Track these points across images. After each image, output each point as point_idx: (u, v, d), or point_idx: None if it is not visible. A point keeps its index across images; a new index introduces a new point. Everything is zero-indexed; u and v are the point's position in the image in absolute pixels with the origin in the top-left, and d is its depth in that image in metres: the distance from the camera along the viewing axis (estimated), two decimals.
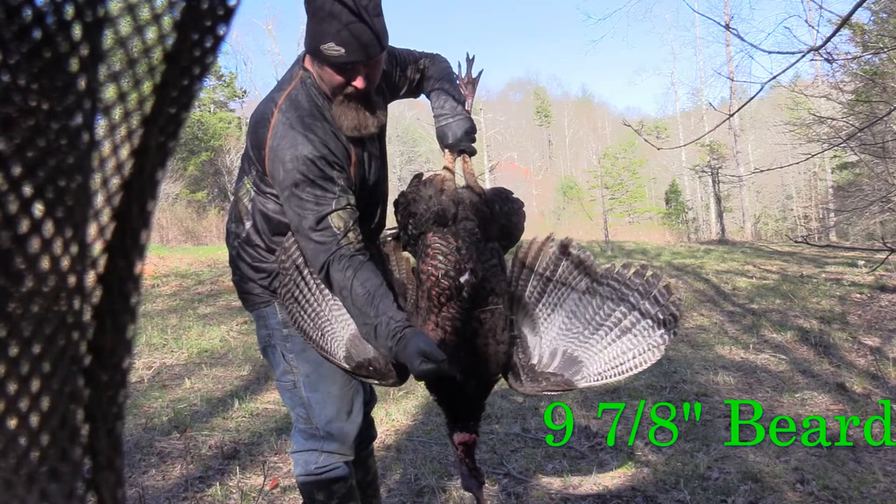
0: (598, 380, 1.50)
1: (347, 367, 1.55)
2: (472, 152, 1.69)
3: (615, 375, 1.49)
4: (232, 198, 1.80)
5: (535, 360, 1.55)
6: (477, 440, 1.56)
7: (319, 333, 1.56)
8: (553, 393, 1.54)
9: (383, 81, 1.69)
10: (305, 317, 1.57)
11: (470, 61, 1.81)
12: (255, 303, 1.72)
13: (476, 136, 1.70)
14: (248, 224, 1.66)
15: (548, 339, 1.57)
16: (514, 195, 1.70)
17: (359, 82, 1.48)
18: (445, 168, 1.64)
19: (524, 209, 1.69)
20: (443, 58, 1.82)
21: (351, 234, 1.51)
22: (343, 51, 1.41)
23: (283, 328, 1.69)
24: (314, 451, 1.72)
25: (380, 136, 1.72)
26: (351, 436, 1.74)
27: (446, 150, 1.66)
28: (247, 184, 1.65)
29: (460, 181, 1.66)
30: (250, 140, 1.61)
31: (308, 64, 1.56)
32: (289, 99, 1.54)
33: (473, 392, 1.53)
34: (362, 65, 1.46)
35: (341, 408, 1.72)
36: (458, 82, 1.77)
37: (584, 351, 1.53)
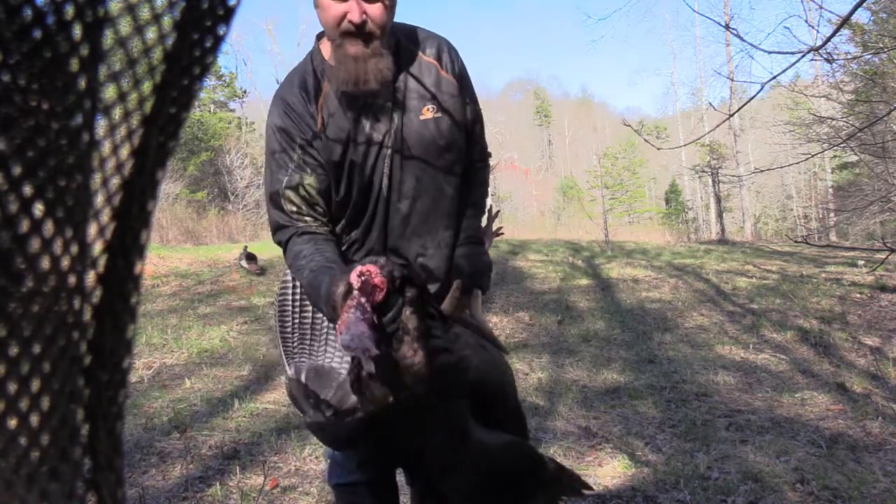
0: None
1: (288, 380, 1.38)
2: (486, 288, 1.54)
3: None
4: None
5: None
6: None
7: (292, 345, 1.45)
8: None
9: (438, 83, 1.49)
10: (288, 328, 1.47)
11: (494, 216, 1.74)
12: None
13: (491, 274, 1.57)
14: None
15: None
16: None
17: (353, 13, 1.32)
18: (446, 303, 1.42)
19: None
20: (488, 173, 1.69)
21: (308, 218, 1.42)
22: None
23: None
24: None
25: (408, 129, 1.46)
26: None
27: (455, 282, 1.46)
28: None
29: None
30: None
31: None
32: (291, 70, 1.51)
33: None
34: None
35: None
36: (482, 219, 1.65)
37: None
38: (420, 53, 1.49)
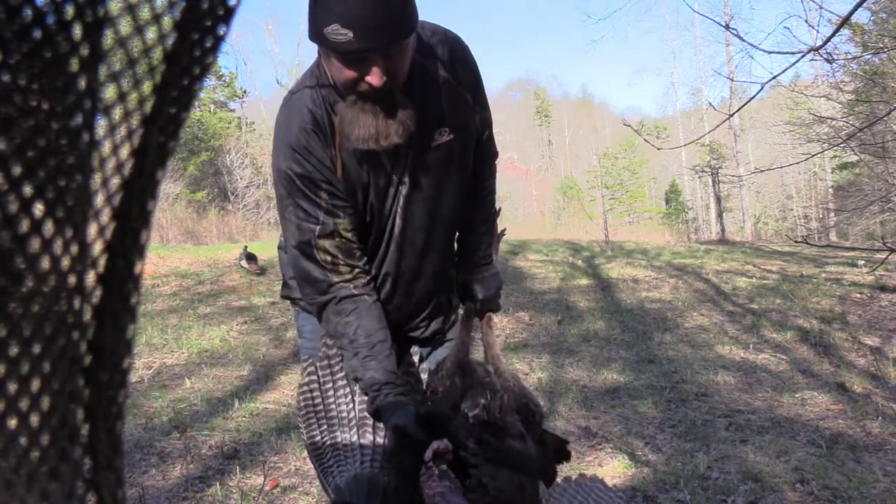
0: None
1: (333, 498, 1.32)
2: (498, 309, 1.50)
3: None
4: None
5: None
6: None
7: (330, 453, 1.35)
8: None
9: (450, 97, 1.33)
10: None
11: (496, 214, 1.62)
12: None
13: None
14: None
15: None
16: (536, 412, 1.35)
17: (374, 77, 1.14)
18: (463, 329, 1.42)
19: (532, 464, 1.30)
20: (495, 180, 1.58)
21: (345, 269, 1.31)
22: (351, 34, 1.07)
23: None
24: None
25: (421, 161, 1.33)
26: None
27: (468, 306, 1.46)
28: None
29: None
30: None
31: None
32: (290, 94, 1.33)
33: None
34: (379, 54, 1.12)
35: None
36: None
37: None
38: (434, 71, 1.33)
